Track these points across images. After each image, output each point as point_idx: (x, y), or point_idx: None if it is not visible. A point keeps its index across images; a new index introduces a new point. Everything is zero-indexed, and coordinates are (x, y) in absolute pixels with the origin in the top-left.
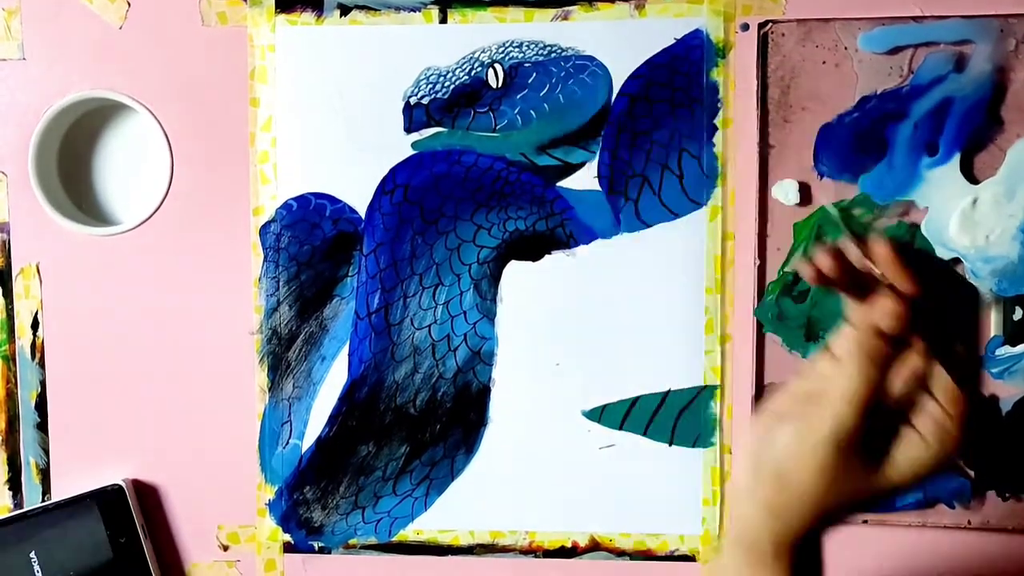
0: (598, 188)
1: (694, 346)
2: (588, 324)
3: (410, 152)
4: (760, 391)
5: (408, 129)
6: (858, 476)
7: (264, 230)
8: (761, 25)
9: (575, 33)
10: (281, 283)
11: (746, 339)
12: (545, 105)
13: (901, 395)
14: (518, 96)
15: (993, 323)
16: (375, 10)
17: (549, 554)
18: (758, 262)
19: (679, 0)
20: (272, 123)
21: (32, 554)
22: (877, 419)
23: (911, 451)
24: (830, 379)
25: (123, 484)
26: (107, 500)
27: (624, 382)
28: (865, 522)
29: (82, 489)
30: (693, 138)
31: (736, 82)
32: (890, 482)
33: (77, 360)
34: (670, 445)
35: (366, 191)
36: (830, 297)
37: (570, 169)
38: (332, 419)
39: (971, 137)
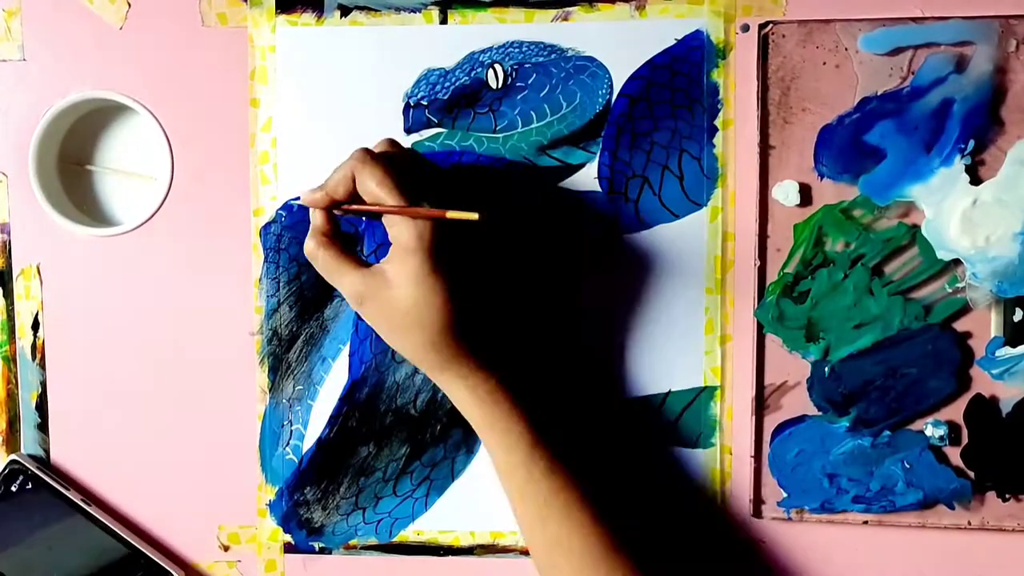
0: (598, 189)
1: (694, 347)
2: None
3: None
4: (760, 392)
5: (408, 130)
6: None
7: (265, 231)
8: (761, 26)
9: (575, 34)
10: (282, 284)
11: (746, 340)
12: (545, 106)
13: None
14: (518, 97)
15: (993, 324)
16: (375, 11)
17: None
18: (758, 263)
19: (679, 1)
20: (272, 124)
21: None
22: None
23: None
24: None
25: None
26: None
27: (624, 382)
28: (865, 523)
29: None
30: (693, 139)
31: (736, 83)
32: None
33: (77, 361)
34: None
35: None
36: (831, 298)
37: (570, 170)
38: (333, 420)
39: (971, 138)
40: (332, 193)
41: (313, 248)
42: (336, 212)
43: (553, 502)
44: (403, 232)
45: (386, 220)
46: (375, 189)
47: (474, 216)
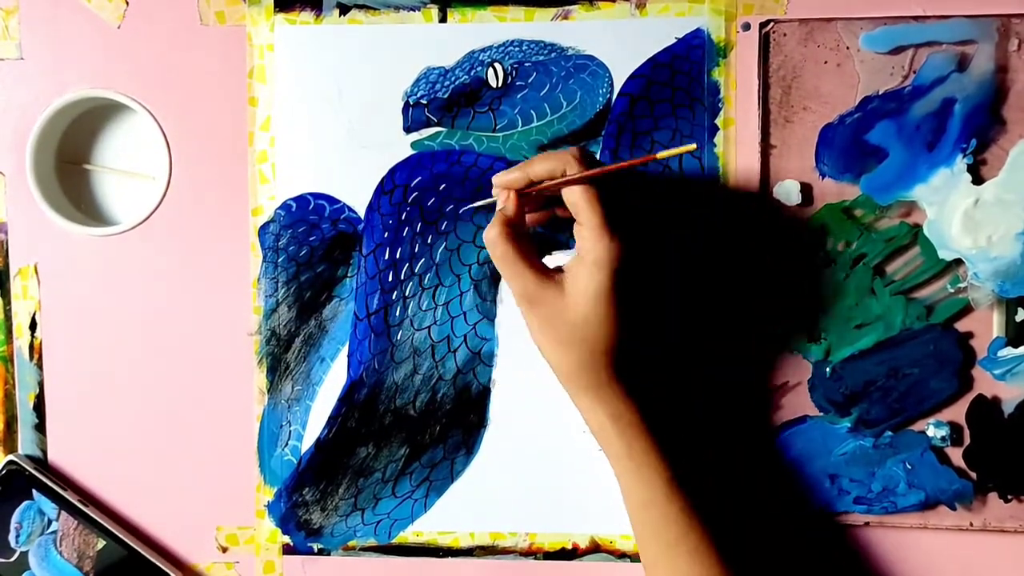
0: None
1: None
2: None
3: (409, 152)
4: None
5: (408, 129)
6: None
7: (263, 230)
8: (762, 25)
9: (576, 32)
10: (280, 284)
11: None
12: (545, 105)
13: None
14: (518, 96)
15: (995, 324)
16: (374, 9)
17: (549, 556)
18: None
19: (680, 0)
20: (271, 123)
21: None
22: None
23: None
24: None
25: None
26: None
27: None
28: (867, 524)
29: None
30: (694, 138)
31: (737, 82)
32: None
33: (75, 361)
34: None
35: (365, 191)
36: (833, 298)
37: None
38: (331, 420)
39: (973, 137)
40: (534, 176)
41: (494, 236)
42: (529, 191)
43: (684, 542)
44: (596, 247)
45: (577, 231)
46: (578, 198)
47: (692, 147)
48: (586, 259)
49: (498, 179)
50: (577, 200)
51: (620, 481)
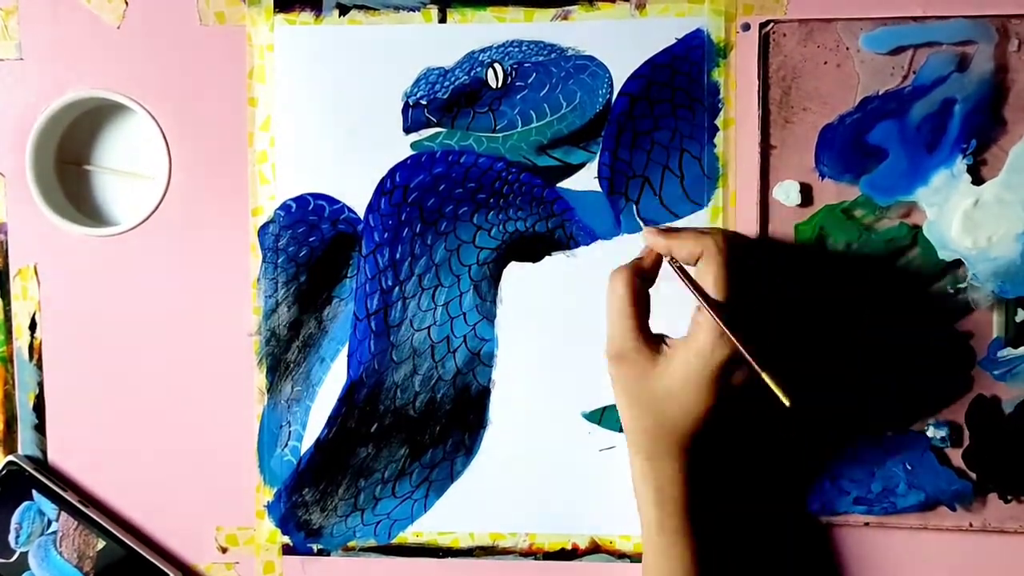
0: (598, 189)
1: None
2: (588, 325)
3: (409, 152)
4: None
5: (407, 129)
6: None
7: (263, 231)
8: (762, 25)
9: (575, 33)
10: (280, 284)
11: None
12: (545, 105)
13: None
14: (518, 96)
15: (995, 325)
16: (374, 9)
17: (549, 556)
18: None
19: (680, 0)
20: (271, 123)
21: None
22: None
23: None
24: None
25: None
26: None
27: None
28: (867, 524)
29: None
30: (694, 139)
31: (737, 82)
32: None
33: (75, 361)
34: None
35: (365, 192)
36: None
37: (570, 170)
38: (331, 421)
39: (973, 138)
40: (675, 251)
41: (621, 276)
42: (669, 264)
43: None
44: (704, 338)
45: (695, 316)
46: (711, 285)
47: (785, 402)
48: (691, 346)
49: (650, 236)
50: (709, 286)
51: (645, 549)
